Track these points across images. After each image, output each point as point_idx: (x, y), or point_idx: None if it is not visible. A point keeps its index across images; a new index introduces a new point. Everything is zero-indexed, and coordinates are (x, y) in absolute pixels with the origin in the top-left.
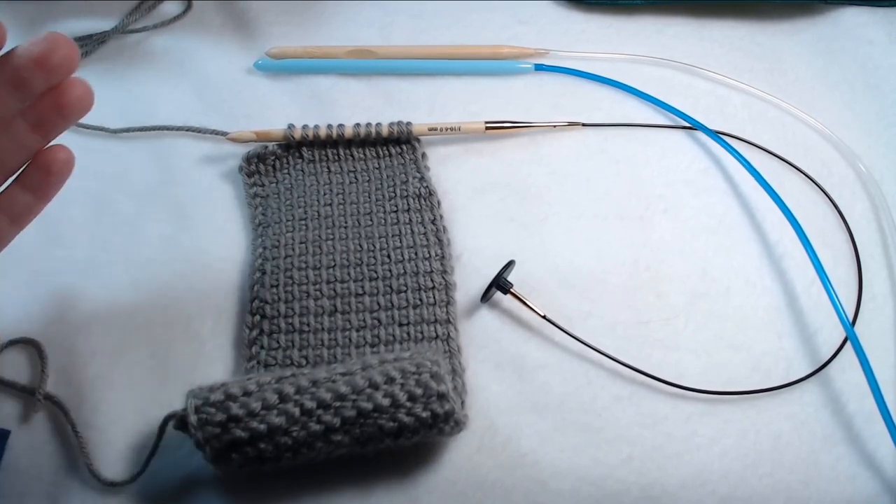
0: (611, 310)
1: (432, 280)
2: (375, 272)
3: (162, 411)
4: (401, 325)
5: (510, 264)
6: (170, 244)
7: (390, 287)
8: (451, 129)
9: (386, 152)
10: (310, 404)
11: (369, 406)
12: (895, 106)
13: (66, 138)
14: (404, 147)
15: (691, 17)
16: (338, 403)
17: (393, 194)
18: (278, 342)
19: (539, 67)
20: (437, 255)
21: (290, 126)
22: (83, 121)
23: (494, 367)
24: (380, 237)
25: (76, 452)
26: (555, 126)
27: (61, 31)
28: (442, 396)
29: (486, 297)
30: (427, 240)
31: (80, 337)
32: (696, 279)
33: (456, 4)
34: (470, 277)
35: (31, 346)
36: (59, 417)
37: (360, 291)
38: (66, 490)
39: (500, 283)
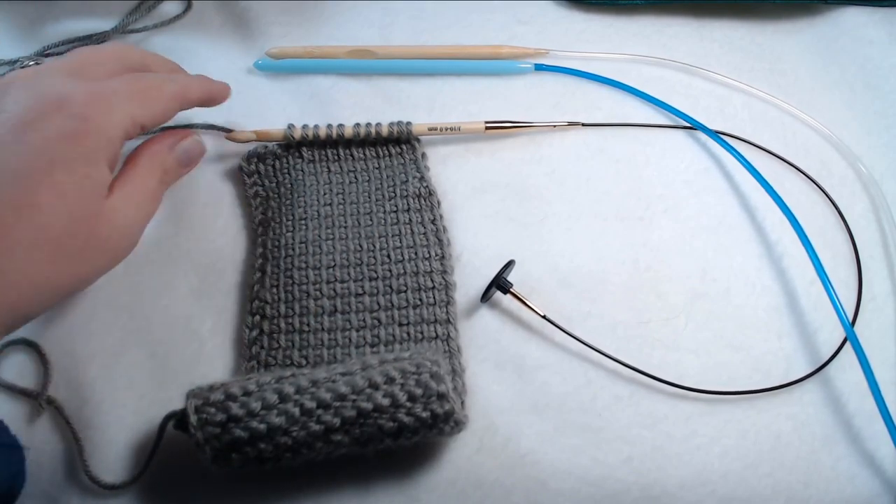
0: (611, 310)
1: (432, 280)
2: (375, 272)
3: (162, 411)
4: (401, 325)
5: (510, 264)
6: (170, 244)
7: (390, 287)
8: (451, 129)
9: (386, 152)
10: (310, 404)
11: (369, 406)
12: (895, 106)
13: None
14: (404, 147)
15: (691, 17)
16: (338, 403)
17: (393, 194)
18: (278, 342)
19: (539, 67)
20: (436, 255)
21: (290, 126)
22: None
23: (494, 367)
24: (380, 237)
25: (77, 456)
26: (555, 126)
27: (61, 31)
28: (442, 396)
29: (486, 297)
30: (427, 240)
31: (81, 337)
32: (696, 279)
33: (456, 4)
34: (470, 277)
35: (32, 348)
36: (60, 419)
37: (360, 291)
38: (66, 492)
39: (500, 283)
